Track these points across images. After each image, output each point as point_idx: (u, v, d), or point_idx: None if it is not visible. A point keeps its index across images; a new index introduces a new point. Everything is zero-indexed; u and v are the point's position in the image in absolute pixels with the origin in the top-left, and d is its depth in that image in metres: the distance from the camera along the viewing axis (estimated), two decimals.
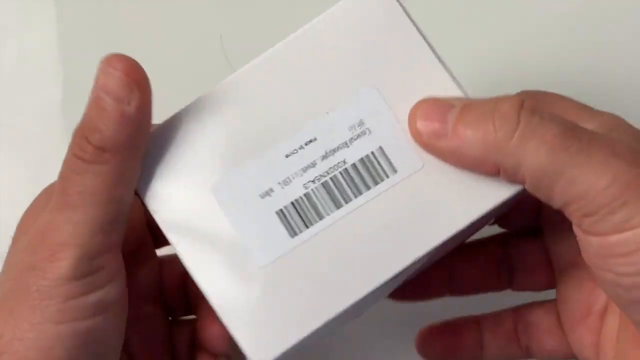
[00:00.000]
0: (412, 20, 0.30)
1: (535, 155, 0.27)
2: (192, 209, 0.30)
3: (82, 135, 0.28)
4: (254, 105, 0.30)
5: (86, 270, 0.28)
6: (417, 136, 0.29)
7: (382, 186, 0.30)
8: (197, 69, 0.44)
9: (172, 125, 0.30)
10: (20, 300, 0.28)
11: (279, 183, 0.30)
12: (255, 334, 0.29)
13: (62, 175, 0.29)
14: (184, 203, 0.30)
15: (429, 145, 0.29)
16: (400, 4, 0.30)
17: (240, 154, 0.30)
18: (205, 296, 0.30)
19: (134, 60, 0.28)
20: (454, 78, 0.30)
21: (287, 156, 0.30)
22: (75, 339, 0.28)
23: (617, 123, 0.30)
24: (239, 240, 0.30)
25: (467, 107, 0.29)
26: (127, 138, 0.28)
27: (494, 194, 0.30)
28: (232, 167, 0.30)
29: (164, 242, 0.31)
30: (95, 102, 0.28)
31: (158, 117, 0.31)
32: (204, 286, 0.30)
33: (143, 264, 0.35)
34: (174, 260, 0.36)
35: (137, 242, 0.34)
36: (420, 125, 0.29)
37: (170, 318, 0.37)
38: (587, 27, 0.43)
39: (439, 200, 0.30)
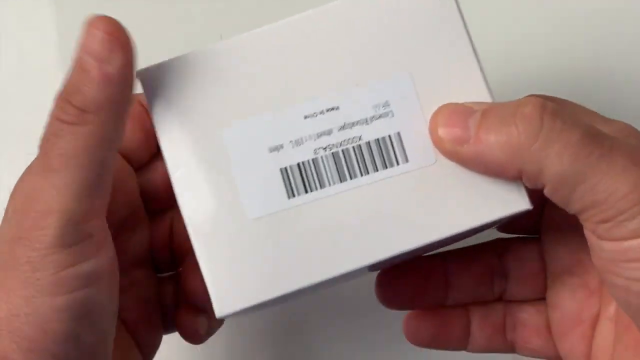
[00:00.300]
0: (462, 17, 0.30)
1: (558, 160, 0.27)
2: (199, 145, 0.29)
3: (63, 97, 0.28)
4: (282, 62, 0.30)
5: (74, 238, 0.28)
6: (439, 144, 0.29)
7: (390, 171, 0.29)
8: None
9: (188, 61, 0.30)
10: (11, 273, 0.28)
11: (291, 141, 0.29)
12: (226, 284, 0.29)
13: (44, 138, 0.28)
14: (191, 137, 0.29)
15: (452, 152, 0.29)
16: None
17: (258, 104, 0.29)
18: (189, 234, 0.30)
19: (115, 21, 0.28)
20: (487, 84, 0.30)
21: (305, 117, 0.29)
22: (70, 311, 0.28)
23: (630, 131, 0.30)
24: (237, 188, 0.29)
25: (488, 112, 0.28)
26: (108, 98, 0.28)
27: (500, 207, 0.29)
28: (248, 114, 0.29)
29: (156, 207, 0.31)
30: (77, 63, 0.28)
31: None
32: (191, 229, 0.29)
33: (134, 230, 0.35)
34: (163, 217, 0.36)
35: (129, 209, 0.34)
36: (442, 132, 0.29)
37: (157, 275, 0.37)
38: (592, 29, 0.43)
39: (443, 200, 0.29)
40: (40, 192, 0.28)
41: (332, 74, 0.29)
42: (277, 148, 0.29)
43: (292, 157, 0.29)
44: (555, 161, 0.27)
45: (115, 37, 0.28)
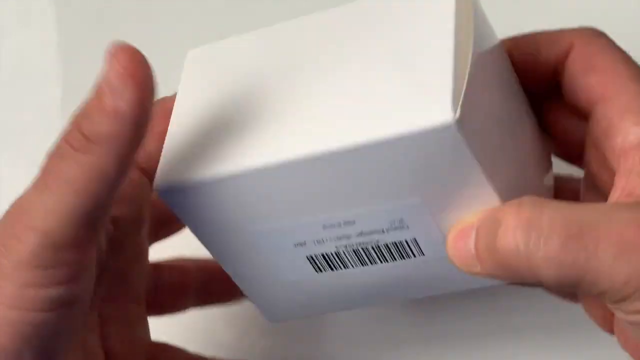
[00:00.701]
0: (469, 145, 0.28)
1: (546, 272, 0.27)
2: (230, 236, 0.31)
3: (76, 120, 0.28)
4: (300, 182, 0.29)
5: (47, 261, 0.28)
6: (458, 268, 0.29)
7: (408, 261, 0.31)
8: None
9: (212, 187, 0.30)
10: None
11: (313, 241, 0.30)
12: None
13: (50, 155, 0.28)
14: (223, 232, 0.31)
15: (472, 275, 0.29)
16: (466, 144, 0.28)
17: (279, 211, 0.30)
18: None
19: (138, 54, 0.27)
20: (495, 187, 0.29)
21: (324, 227, 0.30)
22: (22, 328, 0.28)
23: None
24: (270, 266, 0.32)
25: (479, 230, 0.28)
26: (115, 133, 0.27)
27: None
28: (270, 218, 0.30)
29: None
30: (95, 90, 0.28)
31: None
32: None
33: (138, 258, 0.35)
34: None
35: (137, 226, 0.34)
36: (453, 259, 0.29)
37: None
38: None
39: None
40: (30, 206, 0.28)
41: (349, 195, 0.29)
42: (301, 244, 0.30)
43: (317, 249, 0.31)
44: (545, 272, 0.27)
45: (132, 72, 0.27)
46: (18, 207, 0.29)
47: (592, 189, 0.32)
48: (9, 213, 0.29)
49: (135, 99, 0.27)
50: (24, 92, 0.47)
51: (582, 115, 0.31)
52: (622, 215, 0.26)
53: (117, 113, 0.27)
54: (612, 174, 0.29)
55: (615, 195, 0.28)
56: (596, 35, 0.31)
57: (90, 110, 0.28)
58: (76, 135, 0.28)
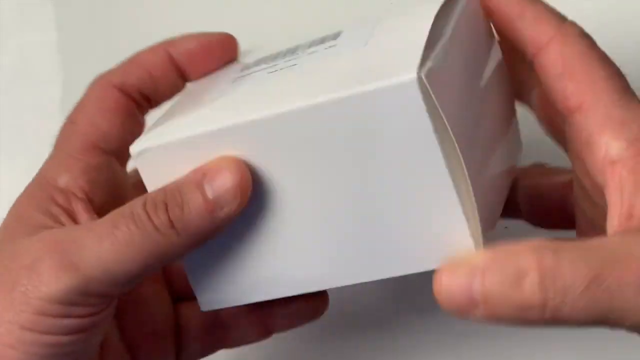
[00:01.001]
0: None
1: (571, 319, 0.26)
2: None
3: (164, 198, 0.28)
4: None
5: (75, 301, 0.28)
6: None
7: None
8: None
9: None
10: (5, 286, 0.28)
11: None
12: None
13: (129, 213, 0.28)
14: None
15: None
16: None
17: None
18: None
19: (246, 171, 0.28)
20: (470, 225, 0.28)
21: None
22: (37, 349, 0.28)
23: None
24: None
25: (490, 276, 0.26)
26: (200, 232, 0.28)
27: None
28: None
29: None
30: (195, 181, 0.28)
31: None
32: None
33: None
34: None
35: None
36: (443, 299, 0.27)
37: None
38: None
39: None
40: (84, 245, 0.28)
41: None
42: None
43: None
44: (569, 319, 0.26)
45: (239, 191, 0.28)
46: (67, 234, 0.29)
47: (582, 188, 0.32)
48: (59, 233, 0.29)
49: (233, 212, 0.28)
50: (24, 92, 0.48)
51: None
52: (638, 247, 0.26)
53: (213, 219, 0.28)
54: (594, 182, 0.29)
55: (614, 217, 0.28)
56: (578, 35, 0.30)
57: (184, 196, 0.28)
58: (160, 214, 0.28)
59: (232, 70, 0.33)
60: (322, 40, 0.31)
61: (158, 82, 0.33)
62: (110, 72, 0.33)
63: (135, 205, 0.28)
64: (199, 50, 0.33)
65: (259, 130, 0.28)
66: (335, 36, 0.31)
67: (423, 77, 0.26)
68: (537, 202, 0.35)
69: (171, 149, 0.29)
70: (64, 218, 0.30)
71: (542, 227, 0.36)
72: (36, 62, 0.48)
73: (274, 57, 0.31)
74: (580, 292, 0.26)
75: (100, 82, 0.33)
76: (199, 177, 0.28)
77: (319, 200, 0.29)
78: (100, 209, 0.31)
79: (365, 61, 0.28)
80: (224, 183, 0.28)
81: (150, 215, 0.28)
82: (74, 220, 0.30)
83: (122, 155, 0.32)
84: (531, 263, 0.26)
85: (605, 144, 0.28)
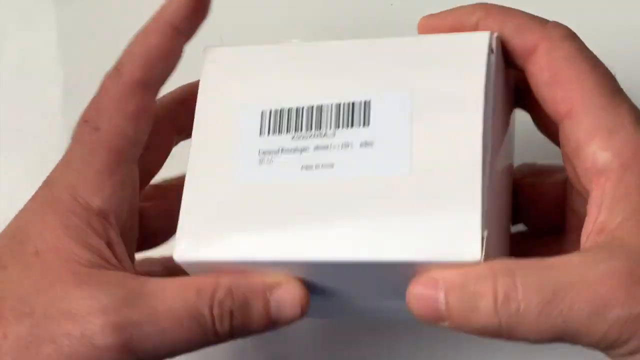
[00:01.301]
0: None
1: (526, 337, 0.27)
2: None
3: (230, 305, 0.29)
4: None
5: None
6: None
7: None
8: (198, 70, 0.44)
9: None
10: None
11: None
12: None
13: (192, 311, 0.29)
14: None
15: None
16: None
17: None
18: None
19: (307, 290, 0.30)
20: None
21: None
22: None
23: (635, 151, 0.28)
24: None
25: (452, 294, 0.28)
26: (252, 327, 0.30)
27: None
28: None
29: None
30: (262, 295, 0.30)
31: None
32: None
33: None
34: None
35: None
36: (414, 309, 0.28)
37: None
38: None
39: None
40: (144, 335, 0.29)
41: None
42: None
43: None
44: (525, 337, 0.27)
45: (299, 308, 0.30)
46: (134, 312, 0.29)
47: (574, 188, 0.32)
48: (118, 306, 0.29)
49: (287, 321, 0.30)
50: (25, 92, 0.47)
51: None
52: (594, 271, 0.27)
53: (268, 325, 0.30)
54: (584, 187, 0.29)
55: (587, 229, 0.28)
56: (563, 38, 0.30)
57: (252, 314, 0.30)
58: (226, 326, 0.29)
59: (247, 114, 0.31)
60: (351, 121, 0.30)
61: (173, 64, 0.33)
62: (129, 67, 0.32)
63: (202, 305, 0.29)
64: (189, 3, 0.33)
65: (316, 267, 0.29)
66: (366, 116, 0.30)
67: (482, 257, 0.27)
68: (535, 202, 0.35)
69: (220, 264, 0.30)
70: (104, 251, 0.30)
71: (538, 230, 0.36)
72: (36, 62, 0.48)
73: (298, 128, 0.30)
74: (535, 315, 0.27)
75: (123, 81, 0.31)
76: (263, 289, 0.29)
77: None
78: (122, 228, 0.31)
79: (417, 208, 0.28)
80: (287, 299, 0.29)
81: (215, 322, 0.29)
82: (113, 250, 0.30)
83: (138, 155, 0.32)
84: (486, 288, 0.27)
85: (593, 153, 0.28)
